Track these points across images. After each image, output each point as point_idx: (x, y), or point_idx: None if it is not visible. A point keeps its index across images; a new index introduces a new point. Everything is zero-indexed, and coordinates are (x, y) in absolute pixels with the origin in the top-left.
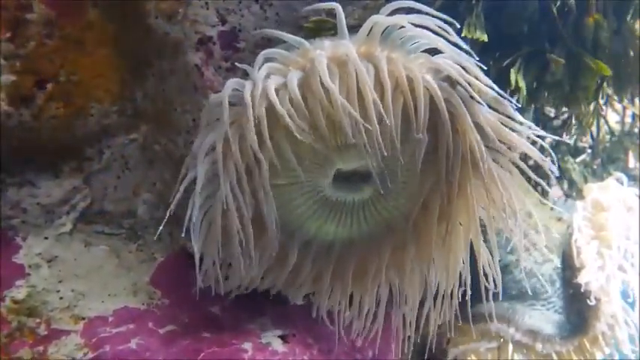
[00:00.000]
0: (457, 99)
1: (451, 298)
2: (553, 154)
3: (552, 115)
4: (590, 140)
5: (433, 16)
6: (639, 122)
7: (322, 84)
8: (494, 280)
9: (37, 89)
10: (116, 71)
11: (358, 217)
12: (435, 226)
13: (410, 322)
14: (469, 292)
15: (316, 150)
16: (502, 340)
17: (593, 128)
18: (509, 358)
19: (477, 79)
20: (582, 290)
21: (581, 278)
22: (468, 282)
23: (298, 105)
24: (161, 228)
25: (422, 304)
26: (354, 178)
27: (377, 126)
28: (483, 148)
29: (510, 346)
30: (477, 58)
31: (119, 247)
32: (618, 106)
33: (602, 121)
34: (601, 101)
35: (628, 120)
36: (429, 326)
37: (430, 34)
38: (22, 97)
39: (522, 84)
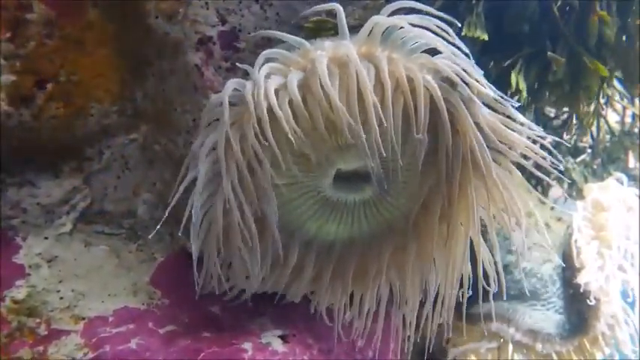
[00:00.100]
0: (457, 99)
1: (451, 298)
2: (558, 155)
3: (552, 115)
4: (590, 140)
5: (434, 15)
6: (639, 122)
7: (322, 86)
8: (494, 280)
9: (37, 89)
10: (116, 71)
11: (359, 217)
12: (436, 226)
13: (410, 322)
14: (469, 293)
15: (316, 150)
16: (502, 340)
17: (593, 128)
18: (509, 358)
19: (476, 80)
20: (582, 290)
21: (581, 278)
22: (468, 282)
23: (298, 106)
24: (159, 227)
25: (422, 304)
26: (355, 178)
27: (377, 128)
28: (484, 148)
29: (510, 346)
30: (476, 59)
31: (119, 247)
32: (618, 106)
33: (602, 121)
34: (602, 100)
35: (628, 120)
36: (429, 326)
37: (430, 34)
38: (22, 97)
39: (523, 85)
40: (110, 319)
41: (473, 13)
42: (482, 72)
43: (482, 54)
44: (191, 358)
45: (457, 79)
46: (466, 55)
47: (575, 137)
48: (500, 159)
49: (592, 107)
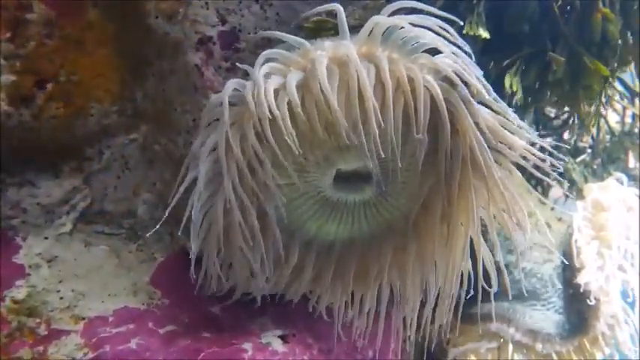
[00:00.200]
0: (457, 99)
1: (452, 298)
2: (559, 155)
3: (552, 115)
4: (590, 140)
5: (435, 15)
6: (639, 122)
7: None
8: (495, 280)
9: (37, 89)
10: (116, 71)
11: (359, 218)
12: (436, 226)
13: (410, 323)
14: (469, 293)
15: (315, 151)
16: (502, 340)
17: (594, 128)
18: (509, 358)
19: (477, 80)
20: (582, 290)
21: (581, 278)
22: (466, 282)
23: (296, 107)
24: (158, 227)
25: (422, 304)
26: (355, 178)
27: (376, 131)
28: (485, 148)
29: (510, 346)
30: (476, 59)
31: (119, 247)
32: (618, 106)
33: (602, 121)
34: (603, 100)
35: (628, 120)
36: (429, 326)
37: (431, 34)
38: (22, 97)
39: (517, 87)
40: (110, 319)
41: (474, 12)
42: (483, 72)
43: (482, 54)
44: (191, 358)
45: (457, 80)
46: (468, 54)
47: (575, 137)
48: (501, 159)
49: (593, 107)
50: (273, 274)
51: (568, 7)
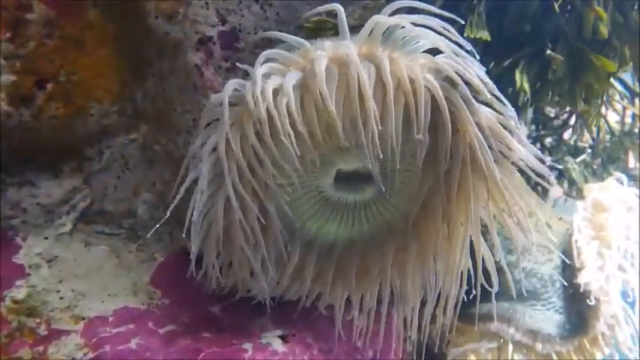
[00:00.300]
0: (458, 98)
1: (452, 298)
2: (558, 155)
3: (552, 115)
4: (590, 140)
5: (435, 14)
6: (639, 122)
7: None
8: (495, 280)
9: (37, 89)
10: (116, 71)
11: (360, 218)
12: (437, 226)
13: (411, 323)
14: (470, 293)
15: (315, 151)
16: (502, 340)
17: (594, 128)
18: (509, 358)
19: (479, 79)
20: (582, 290)
21: (581, 278)
22: (465, 282)
23: (293, 107)
24: (157, 227)
25: (423, 304)
26: (355, 178)
27: (376, 133)
28: (485, 148)
29: (510, 346)
30: (479, 58)
31: (119, 247)
32: (618, 106)
33: (602, 120)
34: (604, 98)
35: (628, 120)
36: (429, 326)
37: (432, 33)
38: (22, 97)
39: (526, 85)
40: (110, 319)
41: (474, 12)
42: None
43: (483, 54)
44: (191, 358)
45: (458, 79)
46: (469, 53)
47: (574, 137)
48: (501, 159)
49: (594, 106)
50: (274, 274)
51: (568, 7)
